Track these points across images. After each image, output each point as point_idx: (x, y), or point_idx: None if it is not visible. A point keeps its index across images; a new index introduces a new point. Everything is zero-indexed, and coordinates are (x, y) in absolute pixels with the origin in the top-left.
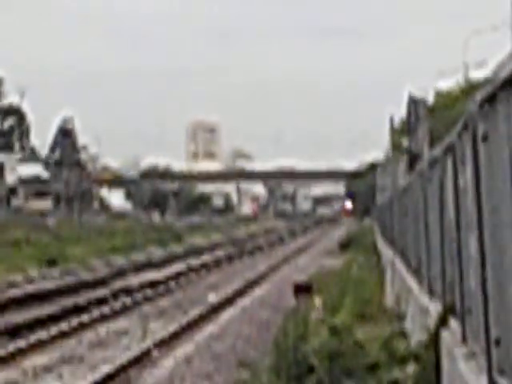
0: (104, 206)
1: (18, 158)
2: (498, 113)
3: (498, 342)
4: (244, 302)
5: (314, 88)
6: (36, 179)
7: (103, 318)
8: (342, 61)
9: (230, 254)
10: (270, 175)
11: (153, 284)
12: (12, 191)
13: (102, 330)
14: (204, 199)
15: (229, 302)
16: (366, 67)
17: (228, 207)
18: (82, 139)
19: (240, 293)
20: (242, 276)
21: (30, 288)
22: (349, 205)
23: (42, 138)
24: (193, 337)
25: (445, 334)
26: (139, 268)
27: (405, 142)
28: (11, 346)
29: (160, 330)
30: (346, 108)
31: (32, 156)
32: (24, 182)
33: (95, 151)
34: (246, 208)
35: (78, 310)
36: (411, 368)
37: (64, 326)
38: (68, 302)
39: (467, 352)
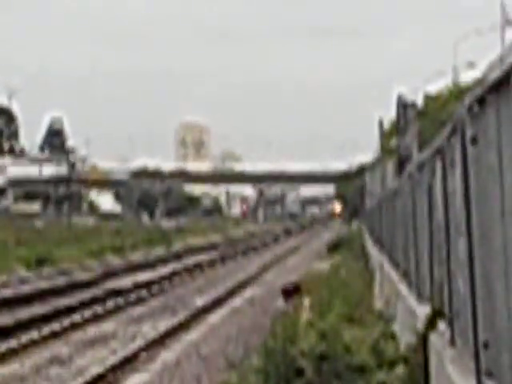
0: (93, 208)
1: (6, 159)
2: (486, 116)
3: (486, 345)
4: (234, 303)
5: (304, 89)
6: (26, 180)
7: (92, 320)
8: (333, 62)
9: (218, 257)
10: (260, 177)
11: (141, 286)
12: (1, 192)
13: (91, 331)
14: (193, 201)
15: (218, 304)
16: (358, 70)
17: (217, 209)
18: (70, 141)
19: (231, 294)
20: (230, 279)
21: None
22: (338, 207)
23: (31, 139)
24: (181, 338)
25: (433, 337)
26: (128, 269)
27: (394, 145)
28: None
29: (149, 331)
30: (336, 110)
31: (21, 157)
32: (13, 183)
33: (84, 153)
34: (236, 209)
35: (61, 312)
36: (400, 370)
37: (46, 329)
38: (54, 303)
39: (456, 355)
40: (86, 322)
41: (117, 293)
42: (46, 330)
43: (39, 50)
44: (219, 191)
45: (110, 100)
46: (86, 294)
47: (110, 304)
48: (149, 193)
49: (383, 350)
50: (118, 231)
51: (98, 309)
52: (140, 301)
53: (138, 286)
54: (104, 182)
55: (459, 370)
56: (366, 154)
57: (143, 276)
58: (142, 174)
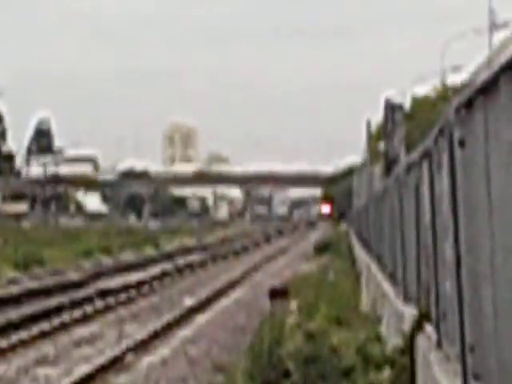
0: (80, 209)
1: None
2: (474, 118)
3: (472, 348)
4: (220, 305)
5: (292, 91)
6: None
7: (78, 321)
8: (319, 64)
9: (204, 259)
10: (247, 179)
11: (128, 287)
12: None
13: (78, 332)
14: (180, 202)
15: (205, 305)
16: (346, 71)
17: (204, 210)
18: (58, 142)
19: (216, 296)
20: (215, 282)
21: None
22: (326, 209)
23: (18, 141)
24: (168, 340)
25: (420, 339)
26: (115, 271)
27: (382, 147)
28: None
29: (135, 333)
30: (324, 112)
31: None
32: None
33: (71, 153)
34: (223, 211)
35: (49, 313)
36: (386, 372)
37: (35, 329)
38: (38, 305)
39: (442, 357)
40: (75, 322)
41: (105, 293)
42: (35, 329)
43: (26, 49)
44: (207, 192)
45: (92, 103)
46: (75, 295)
47: (99, 304)
48: (136, 194)
49: (370, 352)
50: (105, 232)
51: (87, 309)
52: (129, 301)
53: (127, 287)
54: (91, 183)
55: (446, 372)
56: (355, 155)
57: (132, 277)
58: (129, 175)
